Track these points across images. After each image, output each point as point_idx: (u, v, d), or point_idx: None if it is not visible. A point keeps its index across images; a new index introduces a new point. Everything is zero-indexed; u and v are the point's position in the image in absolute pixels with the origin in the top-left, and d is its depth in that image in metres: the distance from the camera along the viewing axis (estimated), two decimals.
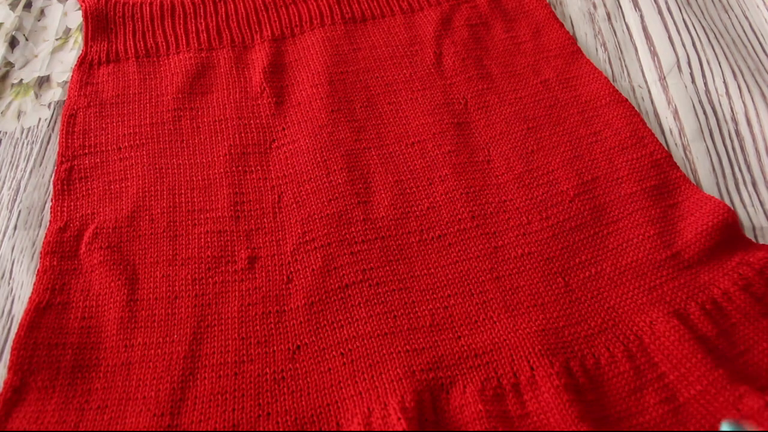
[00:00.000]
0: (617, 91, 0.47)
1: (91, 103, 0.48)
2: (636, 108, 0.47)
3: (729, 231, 0.38)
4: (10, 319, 0.39)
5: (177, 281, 0.39)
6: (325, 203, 0.42)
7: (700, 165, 0.44)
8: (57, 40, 0.58)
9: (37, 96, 0.53)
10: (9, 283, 0.41)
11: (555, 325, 0.35)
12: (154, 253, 0.40)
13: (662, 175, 0.42)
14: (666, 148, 0.45)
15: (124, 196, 0.43)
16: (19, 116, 0.52)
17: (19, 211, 0.45)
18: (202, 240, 0.41)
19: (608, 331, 0.35)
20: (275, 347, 0.36)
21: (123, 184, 0.44)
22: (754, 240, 0.40)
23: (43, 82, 0.54)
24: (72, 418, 0.33)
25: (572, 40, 0.51)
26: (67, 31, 0.58)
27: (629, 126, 0.45)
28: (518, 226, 0.40)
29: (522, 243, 0.39)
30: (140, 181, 0.44)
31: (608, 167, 0.43)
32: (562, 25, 0.52)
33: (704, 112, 0.47)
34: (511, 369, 0.33)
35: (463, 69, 0.50)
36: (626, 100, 0.46)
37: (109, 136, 0.46)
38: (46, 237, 0.41)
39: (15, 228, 0.44)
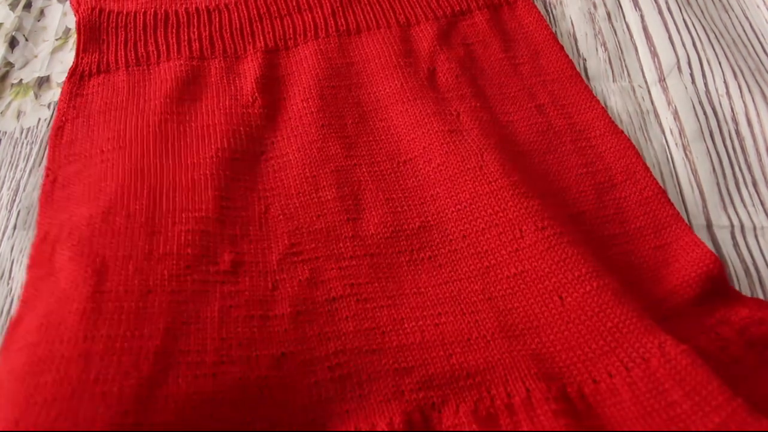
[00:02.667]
0: (613, 122, 0.45)
1: (80, 115, 0.47)
2: (636, 109, 0.47)
3: (712, 283, 0.36)
4: (9, 319, 0.39)
5: (152, 276, 0.36)
6: (314, 218, 0.41)
7: (700, 165, 0.44)
8: (57, 40, 0.58)
9: (36, 96, 0.53)
10: (8, 283, 0.41)
11: (551, 350, 0.34)
12: (127, 246, 0.37)
13: (650, 214, 0.40)
14: (668, 153, 0.45)
15: (102, 195, 0.41)
16: (18, 116, 0.52)
17: (18, 211, 0.45)
18: (183, 237, 0.38)
19: (610, 353, 0.32)
20: (258, 352, 0.34)
21: (101, 185, 0.42)
22: (755, 240, 0.40)
23: (42, 82, 0.54)
24: (11, 415, 0.30)
25: (571, 64, 0.50)
26: (67, 32, 0.58)
27: (622, 160, 0.43)
28: (511, 241, 0.38)
29: (515, 260, 0.37)
30: (119, 180, 0.41)
31: (596, 203, 0.41)
32: (562, 48, 0.51)
33: (704, 113, 0.47)
34: (505, 390, 0.32)
35: (456, 86, 0.48)
36: (621, 132, 0.45)
37: (94, 141, 0.45)
38: (30, 250, 0.40)
39: (14, 228, 0.44)
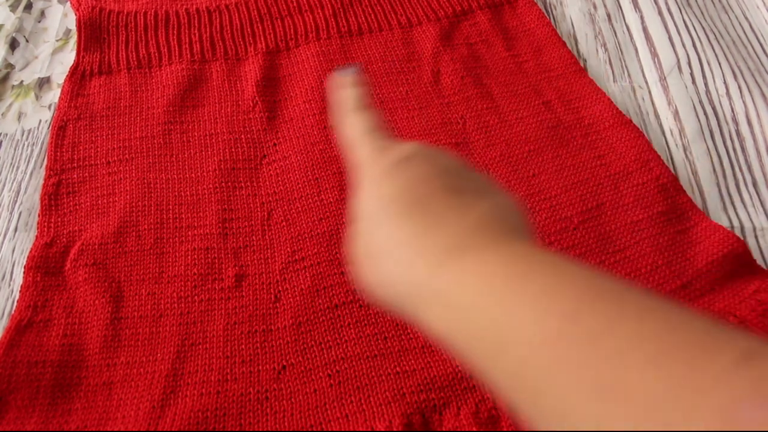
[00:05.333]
0: (621, 112, 0.46)
1: (82, 116, 0.48)
2: (636, 110, 0.47)
3: (740, 260, 0.37)
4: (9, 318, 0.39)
5: (163, 299, 0.38)
6: (316, 222, 0.41)
7: (700, 165, 0.44)
8: (57, 41, 0.58)
9: (37, 97, 0.53)
10: (10, 285, 0.41)
11: None
12: (139, 270, 0.40)
13: (669, 201, 0.41)
14: (668, 153, 0.45)
15: (111, 212, 0.42)
16: (19, 118, 0.52)
17: (20, 213, 0.45)
18: (189, 257, 0.40)
19: None
20: (260, 367, 0.35)
21: (110, 199, 0.43)
22: (755, 241, 0.40)
23: (43, 83, 0.54)
24: None
25: (574, 59, 0.50)
26: (68, 32, 0.58)
27: (634, 149, 0.43)
28: None
29: None
30: (128, 196, 0.43)
31: (613, 193, 0.42)
32: (564, 44, 0.51)
33: (705, 113, 0.47)
34: None
35: (461, 88, 0.48)
36: (630, 121, 0.45)
37: (99, 149, 0.46)
38: (31, 252, 0.40)
39: (16, 230, 0.44)
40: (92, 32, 0.53)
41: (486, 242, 0.22)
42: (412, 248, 0.22)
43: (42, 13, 0.60)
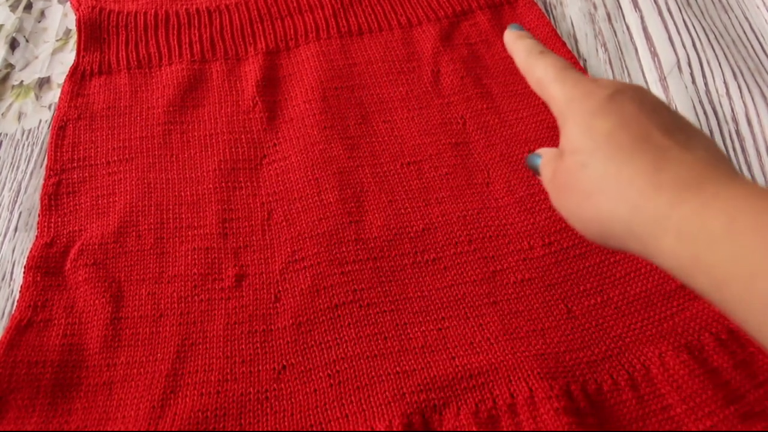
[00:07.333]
0: None
1: (82, 116, 0.48)
2: None
3: None
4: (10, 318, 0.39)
5: (163, 299, 0.38)
6: (316, 222, 0.41)
7: None
8: (57, 41, 0.58)
9: (37, 97, 0.53)
10: (10, 285, 0.41)
11: (555, 350, 0.34)
12: (140, 270, 0.40)
13: None
14: None
15: (111, 212, 0.42)
16: (19, 118, 0.52)
17: (20, 213, 0.45)
18: (189, 257, 0.40)
19: (613, 358, 0.34)
20: (260, 367, 0.35)
21: (110, 199, 0.43)
22: None
23: (43, 83, 0.54)
24: None
25: (574, 59, 0.50)
26: (68, 32, 0.58)
27: None
28: (519, 251, 0.39)
29: (522, 268, 0.38)
30: (128, 197, 0.43)
31: None
32: (564, 44, 0.51)
33: (704, 113, 0.47)
34: (508, 390, 0.32)
35: (461, 88, 0.48)
36: None
37: (99, 149, 0.46)
38: (30, 252, 0.40)
39: (16, 230, 0.44)
40: (92, 32, 0.53)
41: (718, 178, 0.22)
42: (645, 184, 0.22)
43: (42, 13, 0.60)
